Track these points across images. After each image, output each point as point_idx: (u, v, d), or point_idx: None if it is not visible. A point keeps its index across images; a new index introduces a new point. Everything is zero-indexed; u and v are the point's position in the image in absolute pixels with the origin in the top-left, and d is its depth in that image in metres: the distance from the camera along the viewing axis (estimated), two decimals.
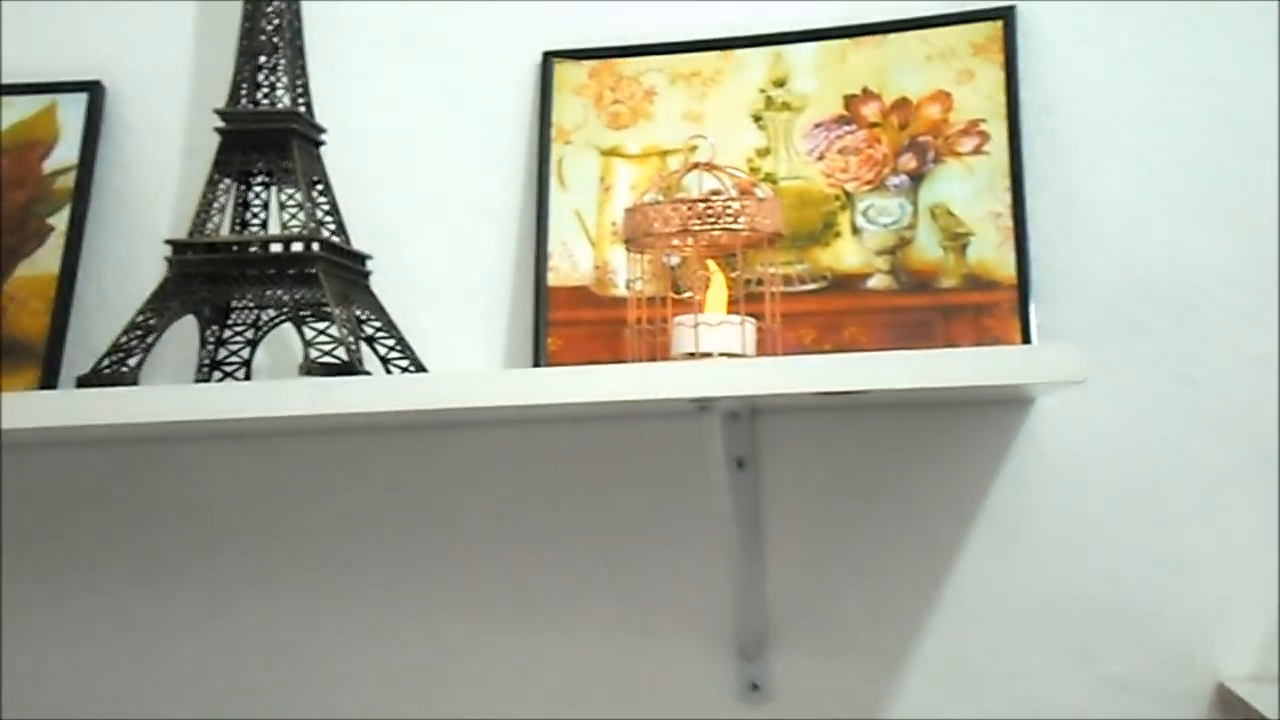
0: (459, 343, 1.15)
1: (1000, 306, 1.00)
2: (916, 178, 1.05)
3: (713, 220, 0.87)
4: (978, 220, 1.01)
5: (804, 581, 1.07)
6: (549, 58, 1.15)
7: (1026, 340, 0.97)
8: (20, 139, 1.14)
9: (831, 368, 0.81)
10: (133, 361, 0.99)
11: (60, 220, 1.12)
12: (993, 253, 1.01)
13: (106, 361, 0.99)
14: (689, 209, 0.88)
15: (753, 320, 0.92)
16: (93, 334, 1.13)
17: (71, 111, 1.15)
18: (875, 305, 1.02)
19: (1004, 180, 1.01)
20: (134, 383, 0.98)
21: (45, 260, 1.11)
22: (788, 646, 1.06)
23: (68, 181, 1.13)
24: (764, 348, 0.93)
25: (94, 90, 1.16)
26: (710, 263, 0.92)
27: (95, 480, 1.16)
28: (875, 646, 1.05)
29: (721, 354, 0.89)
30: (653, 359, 0.95)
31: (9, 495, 1.17)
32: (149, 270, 1.16)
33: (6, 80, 1.16)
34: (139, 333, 1.01)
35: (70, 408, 0.90)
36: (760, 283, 0.96)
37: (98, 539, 1.16)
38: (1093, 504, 1.03)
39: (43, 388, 1.07)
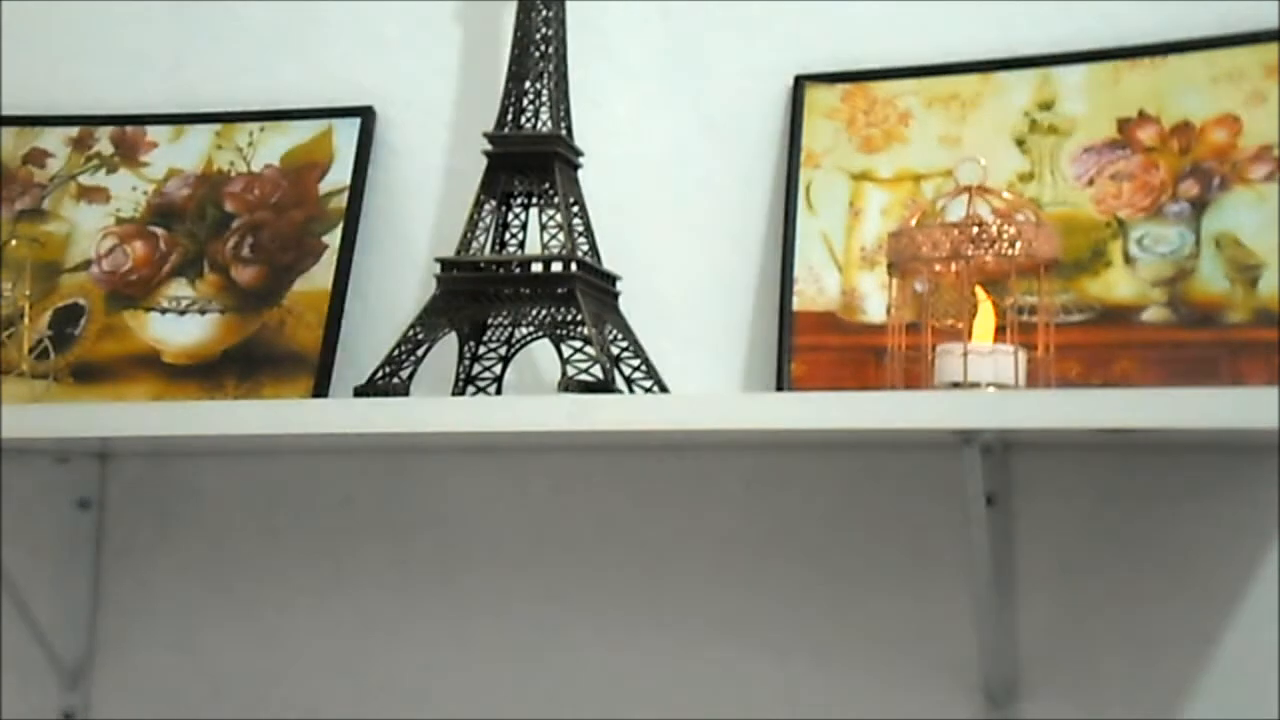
0: (700, 365, 1.16)
1: None
2: (1199, 205, 0.99)
3: (987, 245, 0.84)
4: (1270, 251, 0.95)
5: (1060, 628, 1.01)
6: (800, 81, 1.14)
7: None
8: (299, 161, 1.22)
9: (1112, 402, 0.77)
10: (404, 373, 1.04)
11: (333, 239, 1.18)
12: None
13: (380, 373, 1.04)
14: (961, 232, 0.85)
15: (1023, 350, 0.89)
16: (358, 347, 1.19)
17: (345, 135, 1.22)
18: (1151, 339, 0.97)
19: None
20: (406, 393, 1.03)
21: (319, 277, 1.17)
22: (1039, 693, 1.02)
23: (340, 202, 1.19)
24: (1033, 379, 0.89)
25: (366, 115, 1.22)
26: (978, 289, 0.90)
27: (352, 487, 1.22)
28: (1133, 699, 0.99)
29: (990, 384, 0.86)
30: (910, 387, 0.93)
31: (268, 499, 1.24)
32: (409, 286, 1.22)
33: (287, 106, 1.24)
34: (409, 346, 1.05)
35: (348, 416, 0.95)
36: (1021, 312, 0.92)
37: (352, 543, 1.21)
38: None
39: (315, 395, 1.13)
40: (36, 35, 1.30)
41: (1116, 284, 0.99)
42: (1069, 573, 1.02)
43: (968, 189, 0.89)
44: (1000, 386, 0.86)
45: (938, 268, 0.89)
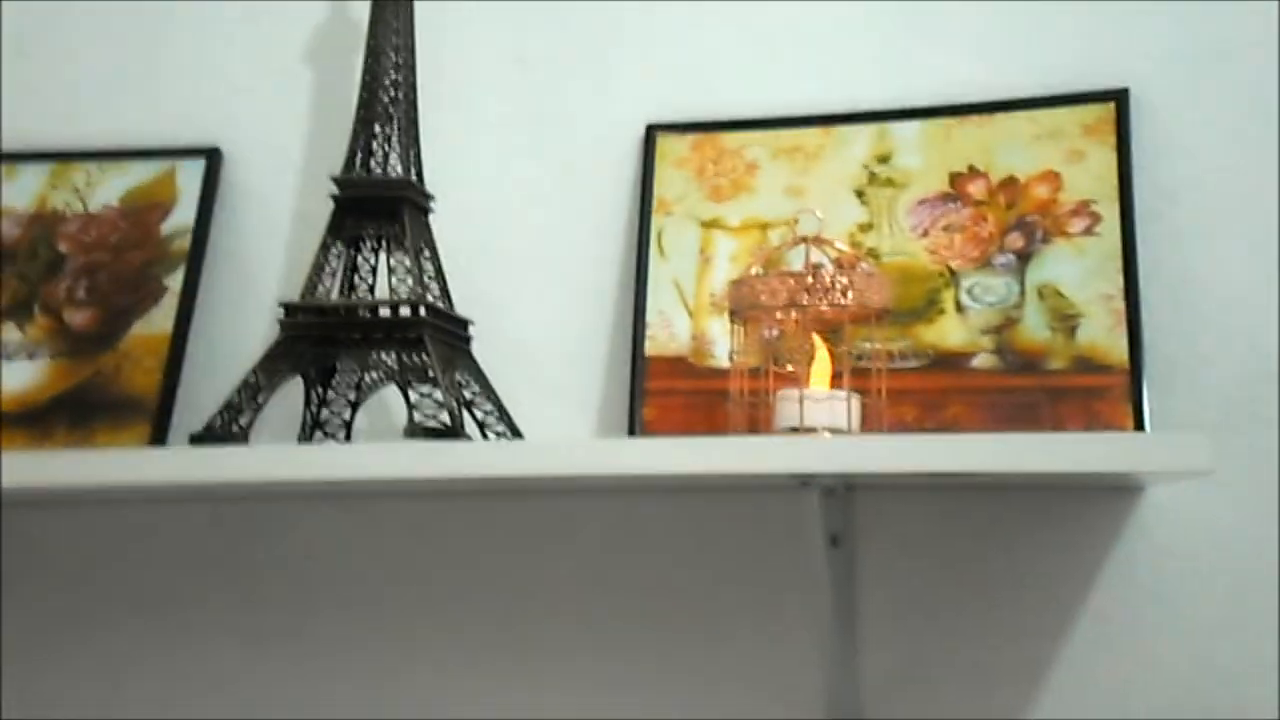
0: (554, 409, 1.16)
1: (1112, 391, 0.97)
2: (1024, 257, 1.04)
3: (820, 294, 0.87)
4: (1088, 302, 1.00)
5: (900, 664, 1.04)
6: (652, 130, 1.16)
7: (1140, 427, 0.95)
8: (140, 202, 1.18)
9: (945, 448, 0.80)
10: (243, 420, 1.01)
11: (175, 281, 1.15)
12: (1104, 335, 0.99)
13: (219, 420, 1.01)
14: (796, 282, 0.88)
15: (858, 396, 0.91)
16: (201, 392, 1.16)
17: (189, 176, 1.19)
18: (980, 385, 1.01)
19: (1116, 262, 1.00)
20: (245, 441, 1.00)
21: (159, 320, 1.14)
22: None
23: (184, 244, 1.16)
24: (868, 423, 0.92)
25: (211, 156, 1.20)
26: (815, 337, 0.92)
27: (194, 537, 1.18)
28: None
29: (826, 429, 0.88)
30: (753, 432, 0.95)
31: (108, 550, 1.19)
32: (257, 331, 1.19)
33: (127, 145, 1.21)
34: (249, 392, 1.03)
35: (184, 464, 0.92)
36: (861, 358, 0.95)
37: (196, 593, 1.17)
38: (1208, 604, 0.99)
39: (153, 444, 1.10)
40: None
41: (949, 332, 1.03)
42: (911, 611, 1.05)
43: (804, 239, 0.92)
44: (835, 431, 0.88)
45: (779, 315, 0.92)
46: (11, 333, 1.13)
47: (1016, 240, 1.04)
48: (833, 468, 0.84)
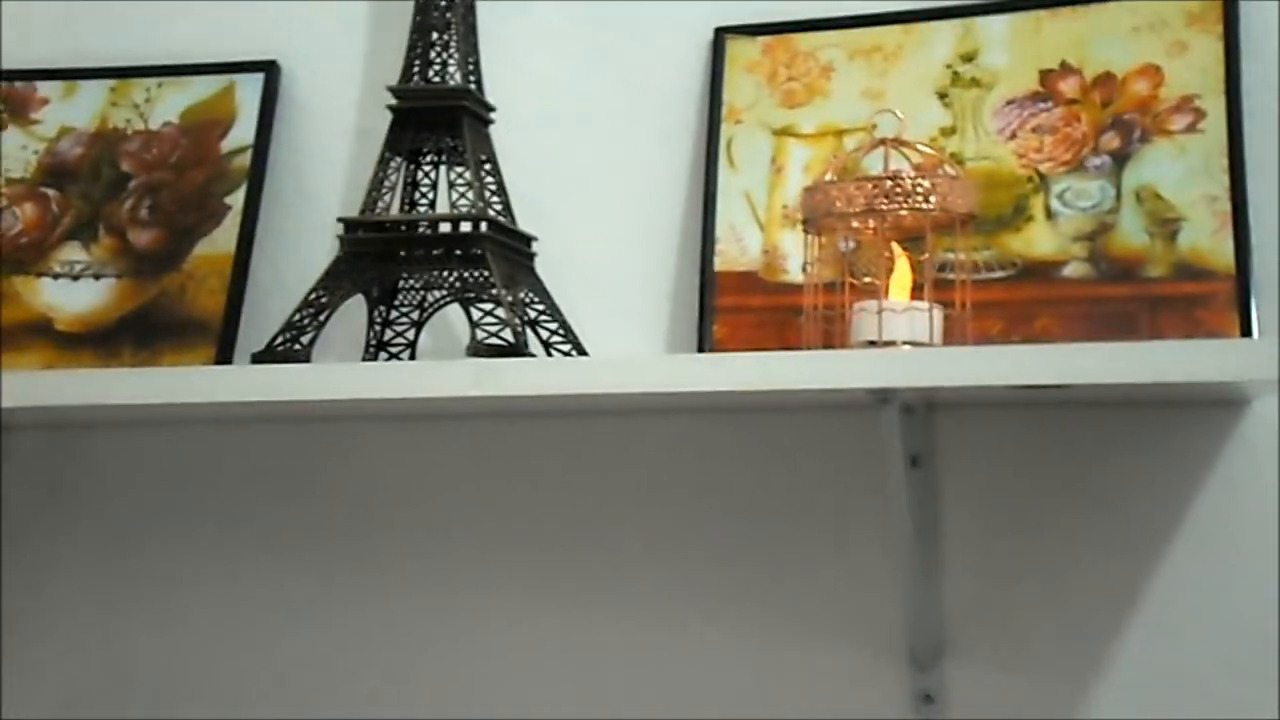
0: (620, 328, 1.12)
1: (1216, 298, 0.91)
2: (1120, 158, 0.97)
3: (901, 199, 0.82)
4: (1190, 204, 0.93)
5: (985, 588, 1.00)
6: (721, 34, 1.11)
7: (1246, 335, 0.89)
8: (199, 118, 1.16)
9: (1035, 359, 0.75)
10: (305, 339, 0.99)
11: (236, 199, 1.13)
12: (1207, 240, 0.92)
13: (280, 339, 1.00)
14: (874, 186, 0.82)
15: (940, 307, 0.86)
16: (266, 312, 1.14)
17: (248, 91, 1.16)
18: (1071, 295, 0.95)
19: (1221, 161, 0.93)
20: (307, 360, 0.99)
21: (222, 240, 1.12)
22: (965, 657, 1.00)
23: (244, 161, 1.14)
24: (950, 337, 0.87)
25: (270, 70, 1.17)
26: (894, 245, 0.87)
27: (257, 459, 1.18)
28: (1061, 660, 0.98)
29: (906, 342, 0.83)
30: (829, 347, 0.90)
31: (174, 472, 1.19)
32: (320, 249, 1.16)
33: (186, 60, 1.19)
34: (311, 310, 1.01)
35: (245, 383, 0.90)
36: (943, 269, 0.90)
37: (259, 516, 1.17)
38: None
39: (218, 364, 1.09)
40: None
41: (1038, 239, 0.97)
42: (994, 533, 1.00)
43: (883, 142, 0.86)
44: (916, 344, 0.83)
45: (855, 223, 0.87)
46: (77, 252, 1.13)
47: (1112, 140, 0.97)
48: (912, 382, 0.79)
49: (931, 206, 0.82)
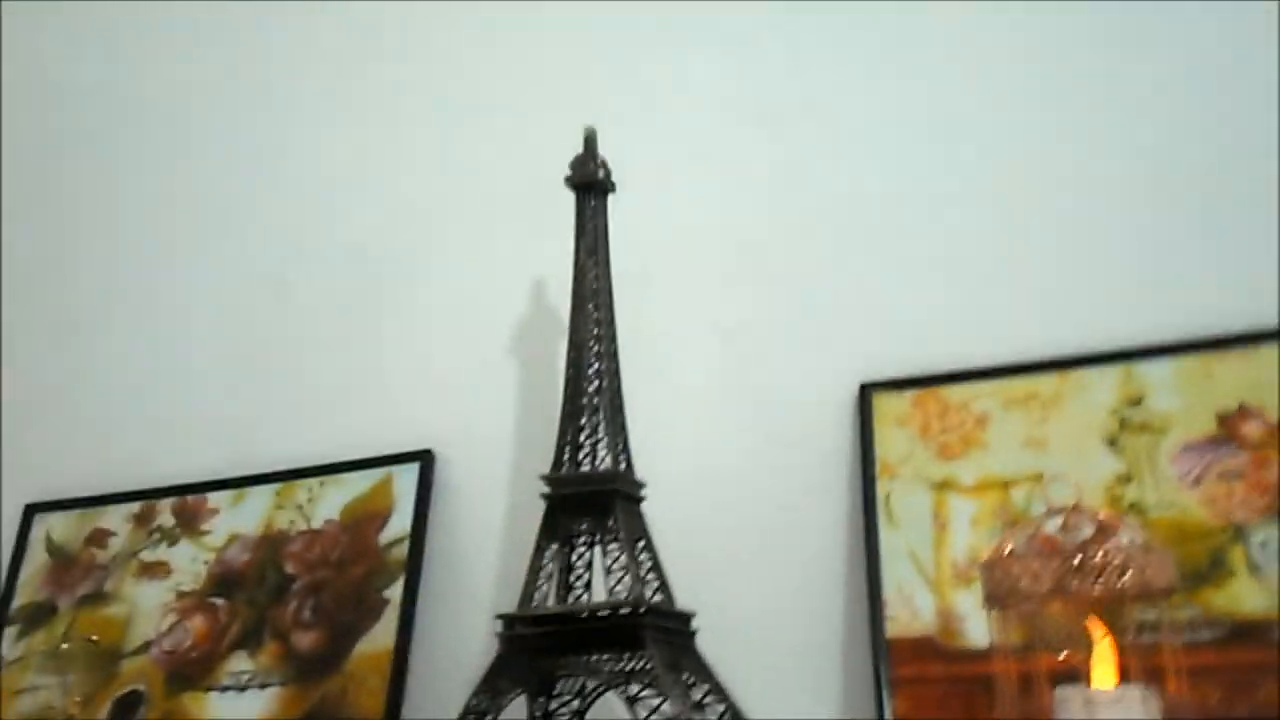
0: (789, 703, 1.06)
1: None
2: None
3: (1093, 575, 0.76)
4: None
5: None
6: (866, 389, 1.10)
7: None
8: (359, 513, 1.19)
9: None
10: None
11: (394, 592, 1.14)
12: None
13: None
14: (1062, 562, 0.77)
15: (1152, 691, 0.78)
16: (423, 702, 1.12)
17: (405, 482, 1.19)
18: None
19: None
20: None
21: (381, 636, 1.12)
22: None
23: (401, 552, 1.16)
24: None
25: (425, 459, 1.20)
26: (1093, 621, 0.80)
27: None
28: None
29: None
30: None
31: None
32: (475, 635, 1.15)
33: (347, 453, 1.23)
34: (474, 716, 0.98)
35: None
36: (1142, 631, 0.82)
37: None
38: None
39: None
40: (97, 412, 1.33)
41: (1244, 596, 0.89)
42: None
43: (1063, 510, 0.81)
44: None
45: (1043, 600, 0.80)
46: (244, 662, 1.14)
47: None
48: None
49: (1128, 581, 0.75)
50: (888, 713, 0.97)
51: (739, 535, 1.12)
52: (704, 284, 1.20)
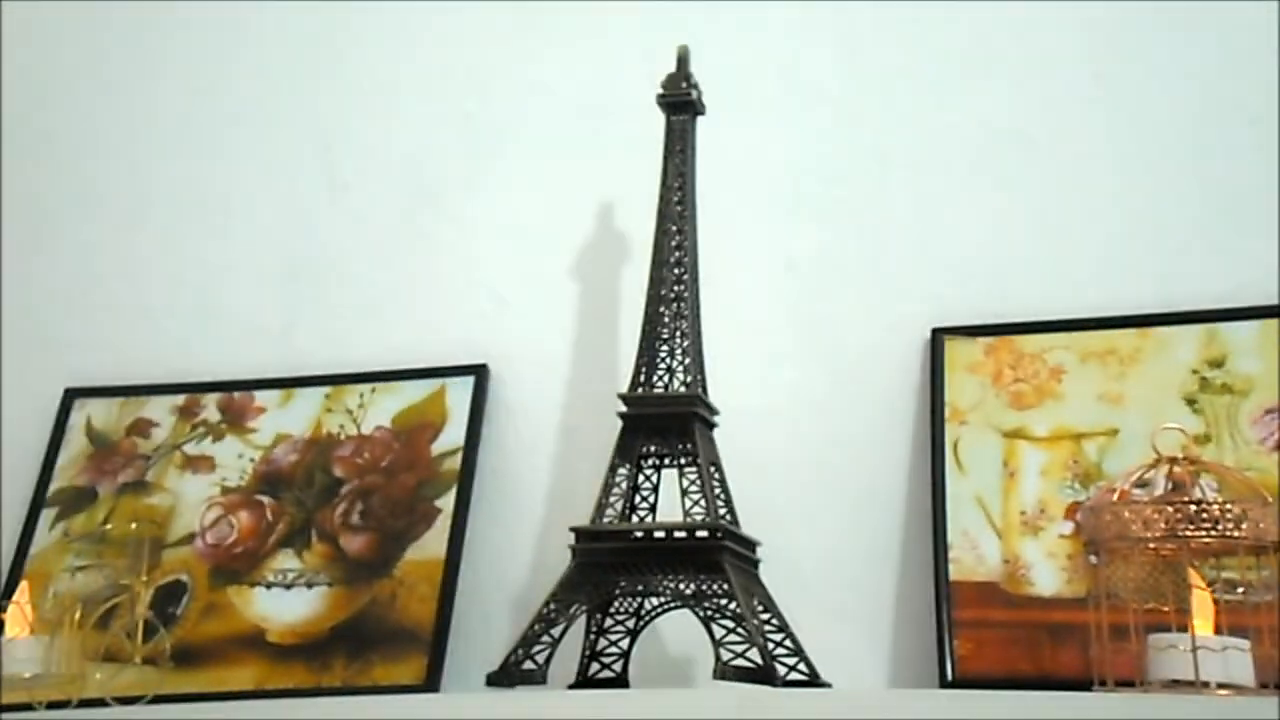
0: (845, 638, 1.06)
1: None
2: None
3: (1208, 525, 0.77)
4: None
5: None
6: (939, 334, 1.10)
7: None
8: (411, 422, 1.17)
9: None
10: (540, 657, 0.95)
11: (446, 503, 1.12)
12: None
13: (514, 656, 0.95)
14: (1177, 510, 0.78)
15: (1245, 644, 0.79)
16: (469, 617, 1.11)
17: (458, 395, 1.17)
18: None
19: None
20: (543, 681, 0.94)
21: (432, 544, 1.10)
22: None
23: (454, 464, 1.14)
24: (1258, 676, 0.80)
25: (480, 374, 1.18)
26: (1193, 573, 0.81)
27: None
28: None
29: (1221, 685, 0.77)
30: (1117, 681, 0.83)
31: None
32: (524, 552, 1.14)
33: (399, 365, 1.20)
34: (544, 624, 0.97)
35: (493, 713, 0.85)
36: (1213, 586, 0.84)
37: None
38: None
39: (429, 677, 1.04)
40: (142, 302, 1.28)
41: None
42: None
43: (1171, 459, 0.82)
44: (1232, 688, 0.76)
45: (1151, 547, 0.81)
46: (290, 560, 1.11)
47: None
48: None
49: (1243, 533, 0.77)
50: (950, 656, 0.98)
51: (800, 470, 1.12)
52: (776, 216, 1.19)
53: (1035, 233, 1.11)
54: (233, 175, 1.31)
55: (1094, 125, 1.13)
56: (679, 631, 1.05)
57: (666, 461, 1.04)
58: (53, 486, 1.16)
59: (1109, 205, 1.10)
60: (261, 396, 1.20)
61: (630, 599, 1.02)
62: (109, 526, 1.09)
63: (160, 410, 1.20)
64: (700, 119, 1.07)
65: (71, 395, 1.21)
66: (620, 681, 1.01)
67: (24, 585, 0.99)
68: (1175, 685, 0.78)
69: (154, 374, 1.22)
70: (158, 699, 0.94)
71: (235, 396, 1.20)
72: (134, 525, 1.05)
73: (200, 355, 1.23)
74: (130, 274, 1.29)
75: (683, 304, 1.06)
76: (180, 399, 1.20)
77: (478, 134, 1.27)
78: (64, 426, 1.19)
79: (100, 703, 0.91)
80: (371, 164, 1.28)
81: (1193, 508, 0.77)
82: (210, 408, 1.19)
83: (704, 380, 1.06)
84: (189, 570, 1.11)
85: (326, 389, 1.19)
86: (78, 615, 0.89)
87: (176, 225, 1.30)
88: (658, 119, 1.07)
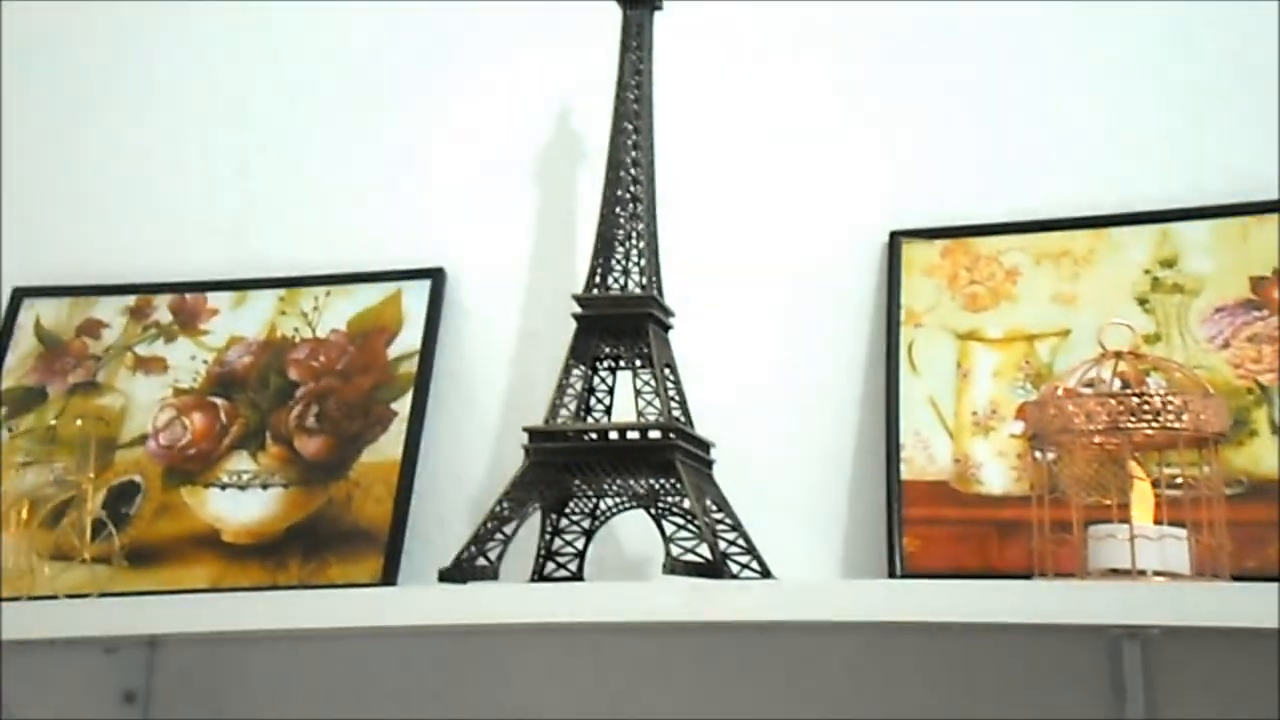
0: (797, 537, 1.07)
1: None
2: None
3: (1150, 417, 0.77)
4: None
5: None
6: (896, 237, 1.10)
7: None
8: (367, 326, 1.16)
9: None
10: (493, 554, 0.95)
11: (402, 406, 1.12)
12: None
13: (466, 553, 0.96)
14: (1119, 403, 0.78)
15: (1182, 533, 0.81)
16: (425, 519, 1.11)
17: (415, 298, 1.16)
18: None
19: None
20: (495, 577, 0.95)
21: (388, 446, 1.10)
22: None
23: (410, 367, 1.13)
24: (1198, 566, 0.81)
25: (436, 277, 1.17)
26: (1135, 465, 0.82)
27: (418, 670, 1.12)
28: None
29: (1158, 573, 0.78)
30: (1059, 573, 0.85)
31: (319, 685, 1.14)
32: (480, 455, 1.14)
33: (354, 268, 1.19)
34: (495, 523, 0.97)
35: (442, 607, 0.86)
36: (1156, 484, 0.85)
37: None
38: None
39: (384, 577, 1.05)
40: (91, 201, 1.26)
41: (1263, 456, 0.92)
42: None
43: (1117, 354, 0.83)
44: (1168, 575, 0.78)
45: (1095, 440, 0.82)
46: (245, 462, 1.11)
47: None
48: (1172, 619, 0.74)
49: (1184, 425, 0.77)
50: (899, 552, 0.99)
51: (755, 371, 1.12)
52: (733, 123, 1.18)
53: (990, 135, 1.10)
54: (182, 75, 1.28)
55: (1054, 27, 1.11)
56: (636, 532, 1.06)
57: (621, 363, 1.04)
58: (1, 386, 1.15)
59: (1062, 108, 1.09)
60: (214, 298, 1.18)
61: (585, 499, 1.03)
62: (54, 423, 1.08)
63: (111, 311, 1.18)
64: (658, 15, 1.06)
65: (20, 295, 1.19)
66: (575, 580, 1.02)
67: None
68: (1113, 574, 0.79)
69: (104, 274, 1.20)
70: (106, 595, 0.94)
71: (187, 298, 1.19)
72: (79, 423, 1.04)
73: (151, 256, 1.21)
74: (78, 173, 1.26)
75: (639, 205, 1.05)
76: (131, 300, 1.19)
77: (431, 35, 1.24)
78: (12, 326, 1.18)
79: (51, 598, 0.91)
80: (325, 67, 1.25)
81: (1135, 400, 0.78)
82: (162, 309, 1.18)
83: (660, 282, 1.05)
84: (142, 471, 1.11)
85: (280, 291, 1.17)
86: (24, 512, 0.88)
87: (125, 125, 1.27)
88: (615, 14, 1.05)
